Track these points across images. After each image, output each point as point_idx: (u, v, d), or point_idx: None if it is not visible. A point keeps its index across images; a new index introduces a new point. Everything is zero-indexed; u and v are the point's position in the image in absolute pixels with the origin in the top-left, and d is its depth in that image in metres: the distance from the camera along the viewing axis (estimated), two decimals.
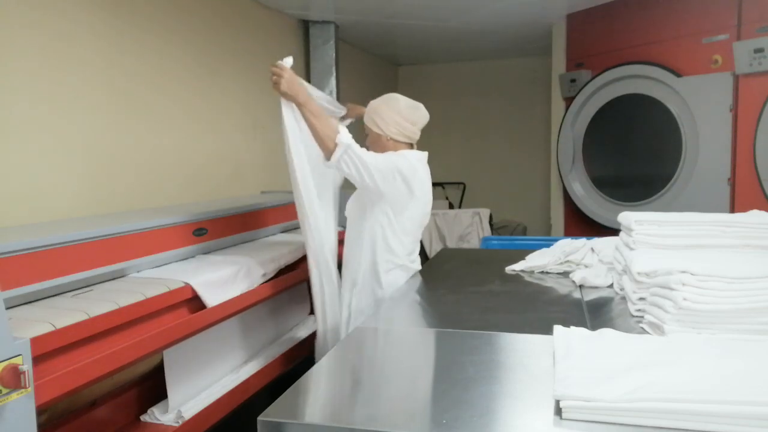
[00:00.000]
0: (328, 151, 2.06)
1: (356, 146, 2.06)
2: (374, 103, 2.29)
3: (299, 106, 2.09)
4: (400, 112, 2.24)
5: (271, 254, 2.46)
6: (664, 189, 3.84)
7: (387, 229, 2.19)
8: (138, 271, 2.07)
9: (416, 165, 2.20)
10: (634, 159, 4.11)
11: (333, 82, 4.52)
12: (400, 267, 2.24)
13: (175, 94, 3.16)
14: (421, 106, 2.30)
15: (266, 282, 2.35)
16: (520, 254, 2.35)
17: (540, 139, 6.20)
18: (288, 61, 2.12)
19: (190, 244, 2.29)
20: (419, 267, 2.35)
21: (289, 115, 2.13)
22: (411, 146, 2.30)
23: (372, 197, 2.16)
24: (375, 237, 2.20)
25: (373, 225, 2.19)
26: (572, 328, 1.36)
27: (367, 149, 2.21)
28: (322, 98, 2.39)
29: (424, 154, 2.31)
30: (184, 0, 3.22)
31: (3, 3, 2.22)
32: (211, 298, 2.02)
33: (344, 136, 2.04)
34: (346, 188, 2.47)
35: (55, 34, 2.44)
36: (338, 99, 4.49)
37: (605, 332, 1.31)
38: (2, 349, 1.23)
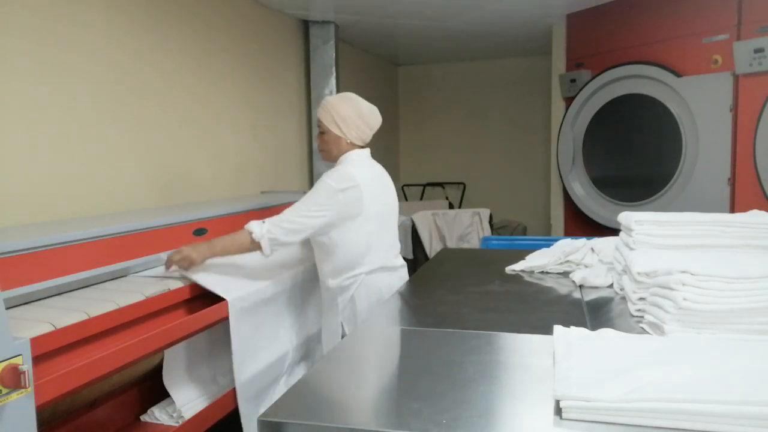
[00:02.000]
0: (259, 251, 2.07)
1: (271, 227, 2.04)
2: (335, 102, 2.22)
3: (213, 257, 2.09)
4: (363, 116, 2.20)
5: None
6: (664, 189, 3.84)
7: (349, 242, 2.13)
8: (138, 271, 2.07)
9: (354, 173, 2.13)
10: (634, 159, 4.11)
11: (333, 82, 4.53)
12: (381, 269, 2.20)
13: (174, 94, 3.16)
14: (376, 109, 2.27)
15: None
16: (520, 254, 2.35)
17: (540, 140, 6.20)
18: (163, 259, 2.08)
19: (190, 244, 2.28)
20: (401, 263, 2.32)
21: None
22: (361, 147, 2.26)
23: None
24: (338, 252, 2.15)
25: (334, 241, 2.14)
26: (572, 328, 1.35)
27: (319, 147, 2.25)
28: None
29: (367, 151, 2.28)
30: (184, 0, 3.22)
31: (3, 6, 2.22)
32: (227, 292, 2.02)
33: (256, 231, 2.04)
34: None
35: (54, 36, 2.44)
36: None
37: (605, 332, 1.31)
38: (2, 349, 1.23)
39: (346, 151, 2.22)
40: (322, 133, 2.24)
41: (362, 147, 2.27)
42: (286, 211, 2.10)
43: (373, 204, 2.16)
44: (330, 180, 2.10)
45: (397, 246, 2.35)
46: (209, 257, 2.08)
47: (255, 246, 2.08)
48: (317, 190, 2.10)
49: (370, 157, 2.30)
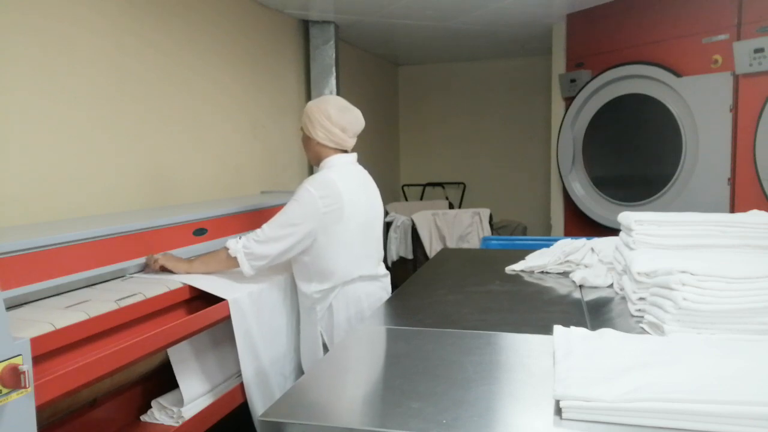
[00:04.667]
0: (237, 267, 2.06)
1: (248, 242, 2.03)
2: (309, 105, 2.19)
3: (188, 272, 2.08)
4: (330, 117, 2.12)
5: None
6: (664, 189, 3.84)
7: (328, 250, 2.09)
8: (138, 271, 2.07)
9: (337, 180, 2.07)
10: (634, 159, 4.11)
11: (333, 82, 4.53)
12: (361, 278, 2.17)
13: (174, 94, 3.16)
14: (353, 109, 2.17)
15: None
16: (520, 254, 2.35)
17: (540, 140, 6.21)
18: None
19: (190, 244, 2.29)
20: (383, 272, 2.28)
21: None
22: (343, 152, 2.20)
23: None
24: (316, 260, 2.11)
25: (312, 249, 2.10)
26: (572, 328, 1.36)
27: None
28: None
29: (352, 156, 2.23)
30: (183, 0, 3.22)
31: (1, 6, 2.22)
32: (226, 293, 2.02)
33: (231, 246, 2.04)
34: None
35: (53, 35, 2.44)
36: None
37: (605, 332, 1.31)
38: (2, 349, 1.23)
39: (327, 156, 2.17)
40: (302, 134, 2.24)
41: (344, 151, 2.21)
42: (264, 224, 2.06)
43: (353, 211, 2.10)
44: (309, 186, 2.06)
45: (380, 254, 2.29)
46: (186, 271, 2.07)
47: (232, 262, 2.05)
48: (296, 198, 2.06)
49: (355, 163, 2.24)
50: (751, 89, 3.36)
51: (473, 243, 4.81)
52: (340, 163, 2.17)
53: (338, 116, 2.13)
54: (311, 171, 4.55)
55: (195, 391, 2.06)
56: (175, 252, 2.20)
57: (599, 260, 2.11)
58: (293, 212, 2.05)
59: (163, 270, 2.05)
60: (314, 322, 2.19)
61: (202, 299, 2.03)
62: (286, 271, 2.34)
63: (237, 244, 2.05)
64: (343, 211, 2.07)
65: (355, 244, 2.13)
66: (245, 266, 2.05)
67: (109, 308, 1.65)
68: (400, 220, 4.85)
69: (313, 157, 2.23)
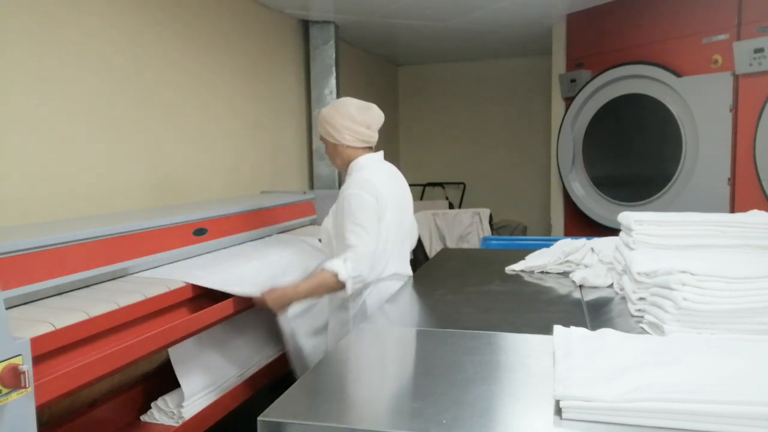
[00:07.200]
0: (343, 290, 2.01)
1: (355, 265, 1.98)
2: (325, 111, 2.18)
3: (298, 300, 2.10)
4: (353, 117, 2.12)
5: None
6: (664, 189, 3.84)
7: None
8: (138, 271, 2.07)
9: (373, 179, 2.08)
10: (634, 159, 4.11)
11: (333, 82, 4.53)
12: (394, 276, 2.16)
13: (174, 94, 3.16)
14: (373, 106, 2.18)
15: None
16: (520, 254, 2.35)
17: (540, 139, 6.21)
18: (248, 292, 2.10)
19: (190, 244, 2.29)
20: (410, 272, 2.28)
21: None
22: (369, 149, 2.20)
23: None
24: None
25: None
26: (572, 328, 1.36)
27: (330, 158, 2.23)
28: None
29: (379, 155, 2.22)
30: (183, 0, 3.22)
31: (2, 8, 2.22)
32: (240, 289, 2.05)
33: (341, 272, 1.97)
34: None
35: (53, 37, 2.44)
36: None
37: (605, 332, 1.31)
38: (2, 349, 1.23)
39: (354, 157, 2.16)
40: (325, 145, 2.22)
41: (370, 149, 2.20)
42: (356, 243, 2.00)
43: (391, 209, 2.11)
44: (358, 190, 2.04)
45: (408, 252, 2.30)
46: (295, 301, 2.10)
47: (340, 286, 2.00)
48: (354, 207, 2.02)
49: (383, 160, 2.23)
50: (751, 89, 3.36)
51: (473, 243, 4.81)
52: (370, 162, 2.16)
53: (360, 114, 2.14)
54: (311, 171, 4.55)
55: (196, 387, 2.06)
56: (175, 252, 2.20)
57: (599, 260, 2.10)
58: (360, 219, 2.02)
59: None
60: (346, 321, 2.17)
61: (203, 298, 2.03)
62: (300, 266, 2.36)
63: (345, 270, 1.97)
64: (386, 210, 2.08)
65: (392, 241, 2.14)
66: (350, 290, 2.02)
67: (109, 308, 1.65)
68: None
69: (342, 164, 2.20)
